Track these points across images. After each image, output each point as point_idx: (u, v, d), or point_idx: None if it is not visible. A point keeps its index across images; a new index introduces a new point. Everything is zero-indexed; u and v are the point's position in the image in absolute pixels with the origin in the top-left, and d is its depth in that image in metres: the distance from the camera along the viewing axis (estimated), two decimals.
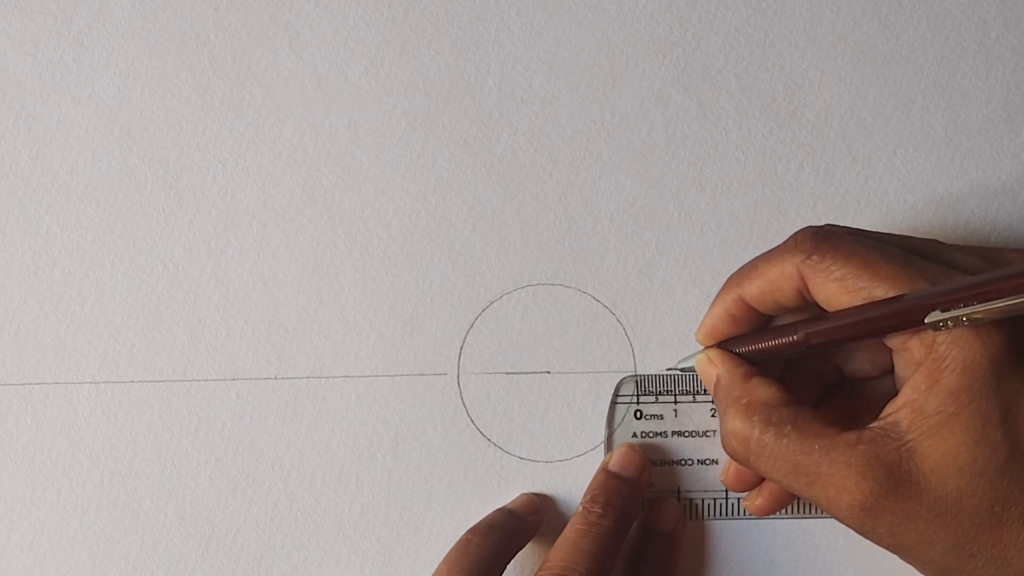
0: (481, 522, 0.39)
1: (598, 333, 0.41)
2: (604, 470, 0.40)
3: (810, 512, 0.41)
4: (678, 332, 0.41)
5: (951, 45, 0.42)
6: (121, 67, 0.42)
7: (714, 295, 0.38)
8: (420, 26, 0.42)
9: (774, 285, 0.36)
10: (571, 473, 0.41)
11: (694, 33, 0.42)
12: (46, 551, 0.41)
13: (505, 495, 0.41)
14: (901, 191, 0.42)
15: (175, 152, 0.41)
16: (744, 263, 0.37)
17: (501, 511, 0.40)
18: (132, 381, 0.41)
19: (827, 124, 0.42)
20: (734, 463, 0.38)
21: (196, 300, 0.41)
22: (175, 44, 0.42)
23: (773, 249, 0.36)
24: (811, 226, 0.36)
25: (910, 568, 0.34)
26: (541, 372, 0.41)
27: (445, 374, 0.41)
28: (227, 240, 0.41)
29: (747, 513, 0.40)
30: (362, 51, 0.42)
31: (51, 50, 0.42)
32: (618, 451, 0.40)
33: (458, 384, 0.41)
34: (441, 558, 0.38)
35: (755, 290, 0.36)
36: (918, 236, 0.37)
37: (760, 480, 0.39)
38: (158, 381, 0.41)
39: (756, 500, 0.39)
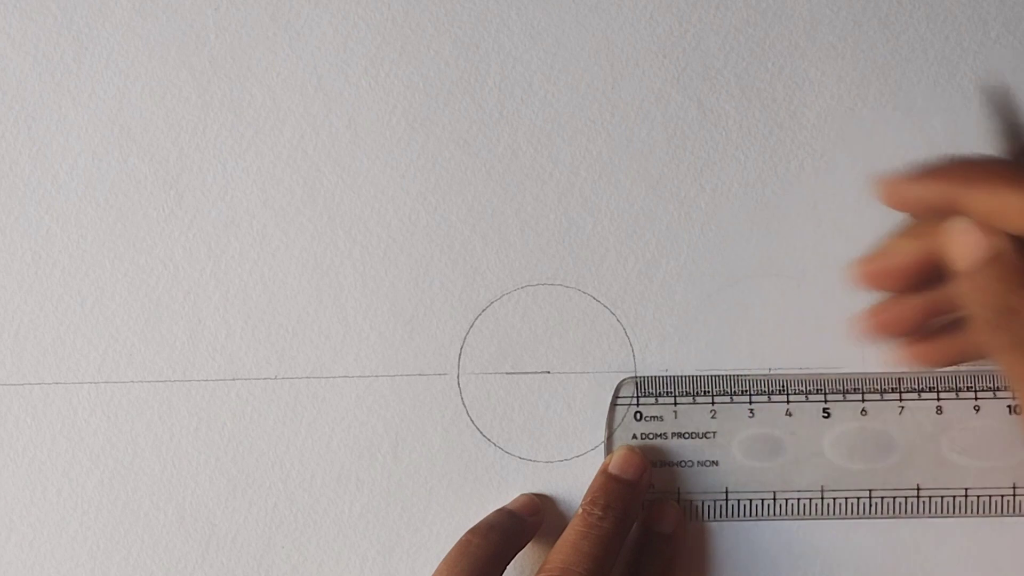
0: (481, 522, 0.39)
1: (598, 333, 0.41)
2: (604, 472, 0.40)
3: (810, 513, 0.41)
4: (678, 332, 0.41)
5: (951, 45, 0.42)
6: (121, 67, 0.42)
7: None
8: (420, 26, 0.42)
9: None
10: (571, 473, 0.41)
11: (694, 33, 0.42)
12: (46, 551, 0.41)
13: (505, 495, 0.41)
14: None
15: (175, 152, 0.41)
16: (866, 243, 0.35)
17: (501, 511, 0.40)
18: (132, 381, 0.41)
19: (827, 124, 0.42)
20: (884, 305, 0.35)
21: (196, 300, 0.41)
22: (175, 44, 0.42)
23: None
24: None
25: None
26: (541, 372, 0.41)
27: (445, 374, 0.41)
28: (227, 240, 0.41)
29: (896, 358, 0.37)
30: (362, 51, 0.42)
31: (51, 50, 0.41)
32: (618, 453, 0.40)
33: (458, 384, 0.41)
34: (441, 558, 0.38)
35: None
36: None
37: (916, 324, 0.36)
38: (158, 381, 0.41)
39: (917, 347, 0.36)
